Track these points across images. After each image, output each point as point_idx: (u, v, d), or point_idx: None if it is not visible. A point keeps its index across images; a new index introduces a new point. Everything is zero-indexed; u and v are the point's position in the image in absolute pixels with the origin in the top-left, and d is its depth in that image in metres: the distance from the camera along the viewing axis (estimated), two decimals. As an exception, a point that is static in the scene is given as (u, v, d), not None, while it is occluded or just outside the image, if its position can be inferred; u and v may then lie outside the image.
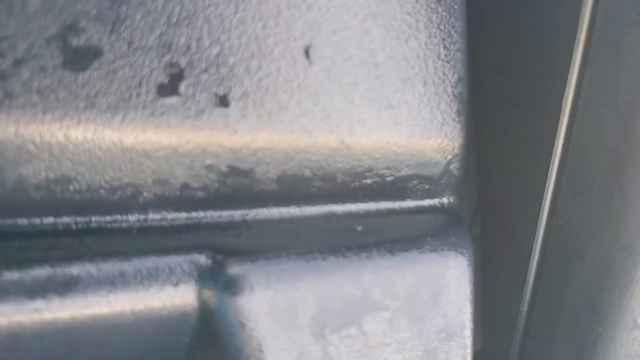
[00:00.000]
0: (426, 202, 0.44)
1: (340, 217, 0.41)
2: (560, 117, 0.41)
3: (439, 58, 0.41)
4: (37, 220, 0.34)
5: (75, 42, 0.32)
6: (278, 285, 0.35)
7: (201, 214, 0.38)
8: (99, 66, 0.33)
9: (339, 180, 0.40)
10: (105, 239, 0.35)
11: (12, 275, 0.31)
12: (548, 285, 0.46)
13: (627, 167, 0.39)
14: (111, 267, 0.33)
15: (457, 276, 0.40)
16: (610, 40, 0.38)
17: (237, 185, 0.38)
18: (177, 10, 0.34)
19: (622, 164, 0.39)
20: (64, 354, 0.33)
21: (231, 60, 0.36)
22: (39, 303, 0.31)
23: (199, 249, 0.35)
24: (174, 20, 0.34)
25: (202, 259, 0.35)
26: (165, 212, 0.37)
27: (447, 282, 0.40)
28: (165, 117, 0.34)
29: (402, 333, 0.39)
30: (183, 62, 0.35)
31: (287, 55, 0.37)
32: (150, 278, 0.34)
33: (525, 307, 0.47)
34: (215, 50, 0.35)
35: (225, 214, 0.38)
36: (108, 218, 0.36)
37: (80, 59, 0.32)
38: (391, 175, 0.42)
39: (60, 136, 0.33)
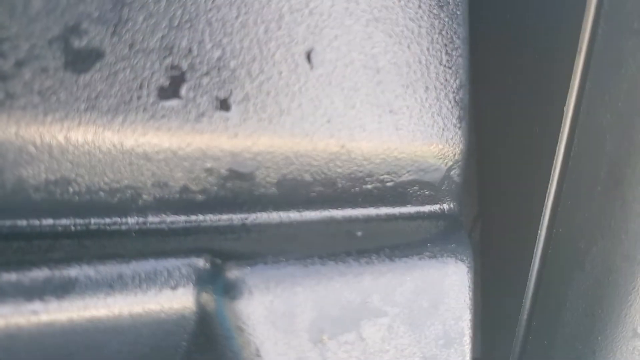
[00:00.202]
0: (426, 208, 0.44)
1: (340, 222, 0.41)
2: (562, 124, 0.41)
3: (440, 64, 0.41)
4: (36, 222, 0.34)
5: (77, 43, 0.32)
6: (277, 290, 0.35)
7: (200, 217, 0.38)
8: (100, 68, 0.33)
9: (339, 185, 0.40)
10: (104, 241, 0.35)
11: (11, 276, 0.31)
12: (548, 293, 0.45)
13: (628, 174, 0.39)
14: (109, 269, 0.33)
15: (456, 283, 0.40)
16: (612, 48, 0.38)
17: (236, 188, 0.38)
18: (179, 12, 0.34)
19: (623, 172, 0.39)
20: (61, 356, 0.32)
21: (232, 64, 0.36)
22: (36, 305, 0.31)
23: (198, 252, 0.35)
24: (176, 22, 0.34)
25: (201, 263, 0.35)
26: (164, 215, 0.37)
27: (446, 288, 0.40)
28: (165, 119, 0.34)
29: (401, 339, 0.39)
30: (184, 65, 0.34)
31: (289, 59, 0.37)
32: (148, 281, 0.33)
33: (524, 314, 0.47)
34: (216, 53, 0.35)
35: (224, 218, 0.38)
36: (107, 220, 0.36)
37: (81, 60, 0.32)
38: (391, 180, 0.42)
39: (60, 138, 0.33)
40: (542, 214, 0.44)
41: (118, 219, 0.36)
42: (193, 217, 0.37)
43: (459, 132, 0.42)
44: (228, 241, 0.37)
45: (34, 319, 0.31)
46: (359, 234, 0.40)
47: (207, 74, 0.35)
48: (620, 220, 0.40)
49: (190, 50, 0.35)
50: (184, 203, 0.37)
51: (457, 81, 0.42)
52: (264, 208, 0.39)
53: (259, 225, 0.39)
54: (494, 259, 0.51)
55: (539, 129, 0.44)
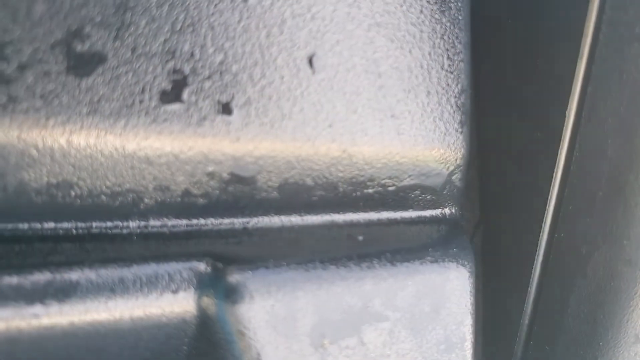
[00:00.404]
0: (428, 213, 0.44)
1: (342, 226, 0.41)
2: (564, 130, 0.41)
3: (442, 68, 0.41)
4: (37, 225, 0.34)
5: (80, 47, 0.32)
6: (278, 294, 0.35)
7: (202, 221, 0.38)
8: (102, 72, 0.33)
9: (341, 189, 0.40)
10: (105, 244, 0.35)
11: (12, 279, 0.31)
12: (549, 298, 0.45)
13: (629, 180, 0.39)
14: (111, 273, 0.33)
15: (458, 287, 0.40)
16: (614, 53, 0.38)
17: (238, 192, 0.38)
18: (181, 17, 0.34)
19: (624, 177, 0.39)
20: (62, 360, 0.32)
21: (234, 68, 0.36)
22: (37, 308, 0.31)
23: (199, 256, 0.35)
24: (178, 27, 0.34)
25: (202, 267, 0.35)
26: (165, 219, 0.37)
27: (447, 293, 0.40)
28: (167, 123, 0.34)
29: (402, 344, 0.39)
30: (186, 69, 0.35)
31: (291, 64, 0.37)
32: (149, 285, 0.33)
33: (526, 319, 0.47)
34: (218, 57, 0.35)
35: (226, 222, 0.38)
36: (109, 224, 0.36)
37: (84, 64, 0.33)
38: (393, 185, 0.42)
39: (62, 141, 0.33)
40: (544, 219, 0.44)
41: (120, 223, 0.36)
42: (194, 221, 0.37)
43: (461, 137, 0.42)
44: (229, 245, 0.37)
45: (35, 323, 0.31)
46: (361, 238, 0.40)
47: (209, 78, 0.35)
48: (622, 226, 0.40)
49: (192, 55, 0.35)
50: (186, 207, 0.37)
51: (459, 86, 0.42)
52: (265, 212, 0.39)
53: (260, 230, 0.39)
54: (496, 263, 0.51)
55: (540, 134, 0.44)
